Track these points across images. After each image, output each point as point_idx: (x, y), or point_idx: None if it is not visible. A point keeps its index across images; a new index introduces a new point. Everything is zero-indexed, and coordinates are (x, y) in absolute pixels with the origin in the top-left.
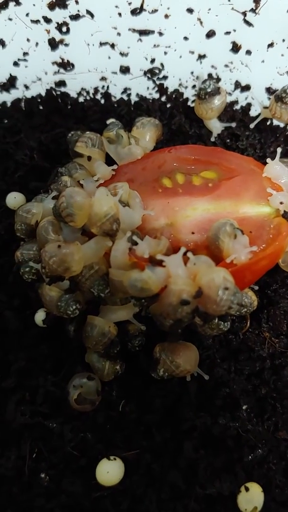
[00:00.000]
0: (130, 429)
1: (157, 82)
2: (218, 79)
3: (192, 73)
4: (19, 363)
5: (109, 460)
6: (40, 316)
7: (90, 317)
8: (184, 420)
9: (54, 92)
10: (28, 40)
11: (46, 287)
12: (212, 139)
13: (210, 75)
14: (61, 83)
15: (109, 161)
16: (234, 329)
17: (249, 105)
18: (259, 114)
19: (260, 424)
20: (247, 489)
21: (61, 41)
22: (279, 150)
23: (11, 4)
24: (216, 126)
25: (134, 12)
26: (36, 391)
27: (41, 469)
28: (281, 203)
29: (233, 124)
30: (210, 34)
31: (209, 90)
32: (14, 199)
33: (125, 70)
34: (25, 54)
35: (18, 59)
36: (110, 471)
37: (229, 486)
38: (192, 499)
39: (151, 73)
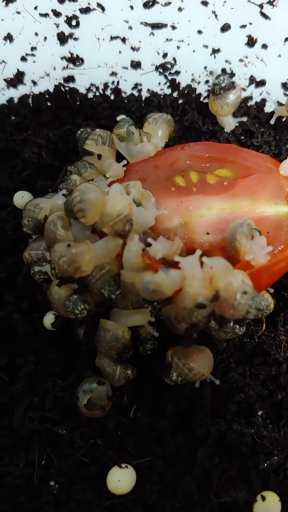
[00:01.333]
0: (142, 435)
1: (169, 78)
2: (232, 74)
3: (205, 68)
4: (27, 367)
5: (120, 468)
6: (49, 319)
7: (103, 321)
8: (198, 426)
9: (62, 88)
10: (36, 34)
11: (55, 286)
12: (225, 135)
13: (224, 70)
14: (70, 79)
15: (119, 159)
16: (249, 332)
17: (263, 101)
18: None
19: (276, 430)
20: (263, 498)
21: (71, 35)
22: None
23: None
24: (229, 123)
25: (147, 4)
26: (45, 396)
27: (50, 476)
28: None
29: (244, 119)
30: (225, 28)
31: (223, 85)
32: (21, 198)
33: (136, 65)
34: (33, 48)
35: (26, 54)
36: (121, 479)
37: (245, 495)
38: (207, 508)
39: (163, 68)
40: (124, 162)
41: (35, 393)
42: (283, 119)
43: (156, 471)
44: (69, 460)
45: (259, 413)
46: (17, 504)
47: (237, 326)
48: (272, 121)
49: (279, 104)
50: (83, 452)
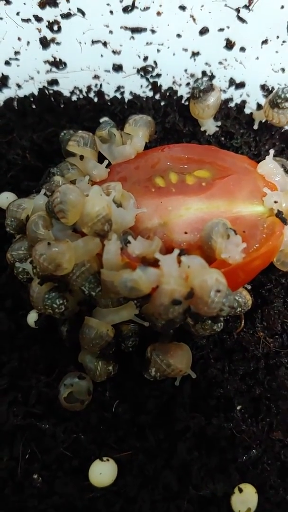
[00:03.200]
0: (124, 430)
1: (151, 80)
2: (212, 77)
3: (186, 70)
4: (11, 364)
5: (102, 461)
6: (32, 317)
7: (87, 318)
8: (178, 420)
9: (46, 91)
10: (19, 39)
11: (35, 282)
12: (205, 136)
13: (204, 73)
14: (54, 82)
15: (101, 160)
16: (228, 329)
17: (243, 102)
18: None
19: (254, 424)
20: (240, 490)
21: (53, 40)
22: (271, 151)
23: (1, 3)
24: (209, 126)
25: (126, 9)
26: (29, 392)
27: (33, 470)
28: (275, 202)
29: (219, 123)
30: (204, 31)
31: (202, 87)
32: (6, 199)
33: (118, 68)
34: (16, 53)
35: (10, 58)
36: (103, 472)
37: (223, 487)
38: (186, 500)
39: (144, 71)
40: (106, 162)
41: (19, 389)
42: (262, 121)
43: (137, 464)
44: (52, 454)
45: (238, 407)
46: (1, 496)
47: (215, 323)
48: (255, 127)
49: (257, 108)
50: (66, 446)
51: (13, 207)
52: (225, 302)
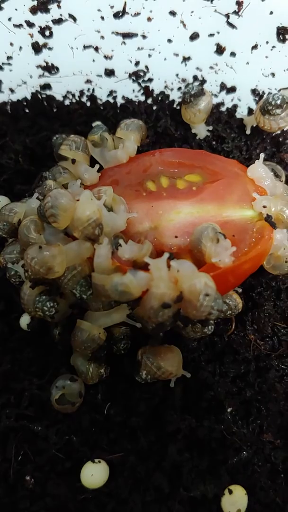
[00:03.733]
0: (115, 432)
1: (143, 85)
2: (203, 81)
3: (177, 75)
4: (4, 367)
5: (93, 463)
6: (25, 320)
7: (79, 321)
8: (169, 422)
9: (39, 95)
10: (11, 44)
11: (26, 285)
12: (197, 140)
13: (195, 77)
14: (46, 86)
15: (93, 164)
16: (219, 332)
17: (235, 106)
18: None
19: (245, 426)
20: (230, 492)
21: (45, 45)
22: (262, 155)
23: None
24: (200, 131)
25: (117, 15)
26: (21, 394)
27: (26, 471)
28: (264, 206)
29: (210, 127)
30: (194, 37)
31: (193, 92)
32: None
33: (109, 73)
34: (9, 58)
35: (2, 63)
36: (94, 473)
37: (214, 489)
38: (177, 501)
39: (136, 76)
40: (98, 166)
41: (11, 391)
42: (254, 125)
43: (128, 466)
44: (45, 456)
45: (229, 410)
46: None
47: (205, 327)
48: (248, 132)
49: (248, 113)
50: (58, 448)
51: (5, 211)
52: (214, 306)
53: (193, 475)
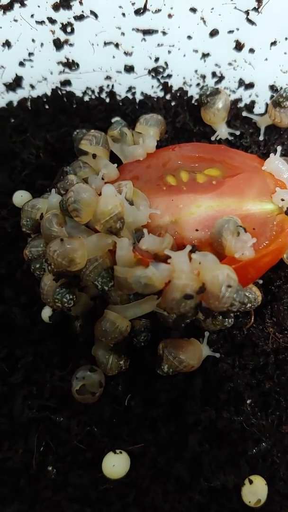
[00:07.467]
0: (136, 423)
1: (162, 81)
2: (221, 77)
3: (196, 71)
4: (26, 358)
5: (115, 454)
6: (46, 313)
7: (107, 311)
8: (189, 414)
9: (59, 92)
10: (33, 40)
11: (46, 277)
12: (212, 138)
13: (214, 74)
14: (67, 83)
15: (114, 159)
16: (238, 325)
17: (253, 102)
18: (264, 113)
19: (264, 418)
20: (251, 482)
21: (66, 41)
22: (279, 148)
23: (16, 5)
24: (222, 132)
25: (138, 12)
26: (43, 385)
27: (48, 462)
28: (282, 199)
29: (237, 132)
30: (214, 33)
31: (208, 92)
32: (20, 197)
33: (129, 69)
34: (30, 54)
35: (24, 60)
36: (116, 464)
37: (233, 479)
38: (197, 491)
39: (155, 72)
40: (115, 165)
41: (33, 382)
42: (267, 125)
43: (149, 456)
44: (66, 447)
45: (248, 401)
46: (16, 488)
47: (226, 319)
48: (261, 138)
49: (262, 113)
50: (79, 439)
51: (28, 208)
52: (236, 297)
53: (213, 466)
